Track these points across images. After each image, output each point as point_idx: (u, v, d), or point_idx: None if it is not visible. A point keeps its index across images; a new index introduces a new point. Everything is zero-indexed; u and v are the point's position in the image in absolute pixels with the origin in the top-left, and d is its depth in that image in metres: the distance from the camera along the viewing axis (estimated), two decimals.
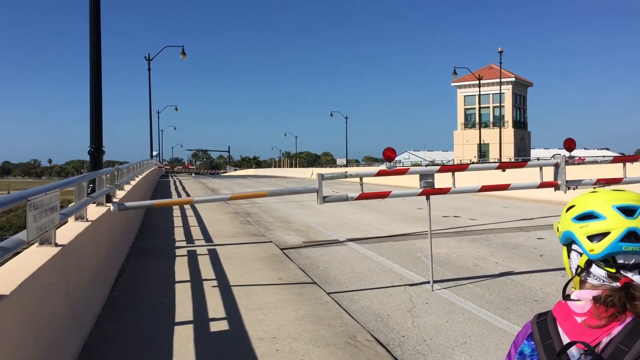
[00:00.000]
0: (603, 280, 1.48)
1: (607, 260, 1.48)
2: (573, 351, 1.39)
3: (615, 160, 9.14)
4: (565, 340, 1.43)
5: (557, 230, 1.62)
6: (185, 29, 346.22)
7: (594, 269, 1.50)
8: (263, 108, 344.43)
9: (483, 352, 5.25)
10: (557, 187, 7.82)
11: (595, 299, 1.45)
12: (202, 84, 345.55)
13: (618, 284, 1.45)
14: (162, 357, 4.90)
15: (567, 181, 7.76)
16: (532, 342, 1.49)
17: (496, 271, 8.56)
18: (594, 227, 1.49)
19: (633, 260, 1.45)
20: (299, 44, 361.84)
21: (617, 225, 1.46)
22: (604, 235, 1.47)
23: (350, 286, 7.89)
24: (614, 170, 9.77)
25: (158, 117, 66.32)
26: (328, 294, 7.29)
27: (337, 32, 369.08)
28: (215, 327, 5.76)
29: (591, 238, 1.49)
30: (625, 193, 1.53)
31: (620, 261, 1.46)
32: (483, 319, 6.22)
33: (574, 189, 7.84)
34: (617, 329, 1.38)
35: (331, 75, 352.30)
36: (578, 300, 1.49)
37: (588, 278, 1.52)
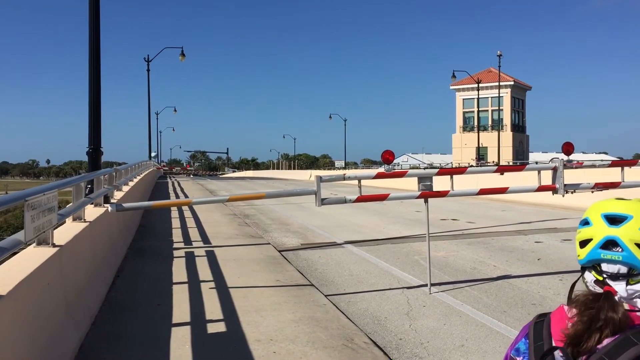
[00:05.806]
0: (594, 287, 1.51)
1: (595, 267, 1.51)
2: (557, 356, 1.43)
3: (613, 164, 9.13)
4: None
5: None
6: (185, 30, 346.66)
7: (586, 274, 1.54)
8: (262, 110, 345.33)
9: (480, 355, 5.25)
10: (555, 190, 7.82)
11: (573, 301, 1.48)
12: (201, 85, 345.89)
13: (601, 291, 1.48)
14: (159, 358, 4.89)
15: (565, 185, 7.76)
16: (527, 341, 1.54)
17: (494, 274, 8.56)
18: (583, 233, 1.54)
19: (617, 269, 1.47)
20: (298, 46, 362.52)
21: (599, 232, 1.49)
22: (589, 241, 1.51)
23: (347, 289, 7.88)
24: (612, 174, 9.78)
25: (157, 118, 66.10)
26: (326, 296, 7.29)
27: (336, 35, 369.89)
28: (212, 328, 5.76)
29: (582, 244, 1.54)
30: (622, 202, 1.54)
31: (604, 269, 1.49)
32: (480, 322, 6.22)
33: (571, 192, 7.84)
34: (606, 340, 1.39)
35: (330, 77, 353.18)
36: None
37: (588, 284, 1.55)
